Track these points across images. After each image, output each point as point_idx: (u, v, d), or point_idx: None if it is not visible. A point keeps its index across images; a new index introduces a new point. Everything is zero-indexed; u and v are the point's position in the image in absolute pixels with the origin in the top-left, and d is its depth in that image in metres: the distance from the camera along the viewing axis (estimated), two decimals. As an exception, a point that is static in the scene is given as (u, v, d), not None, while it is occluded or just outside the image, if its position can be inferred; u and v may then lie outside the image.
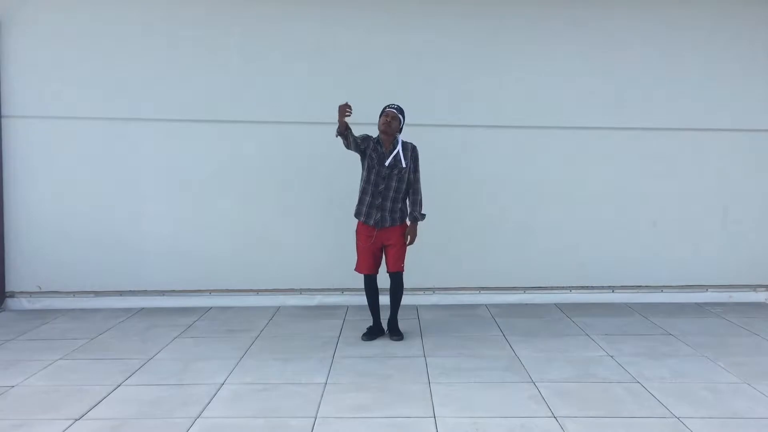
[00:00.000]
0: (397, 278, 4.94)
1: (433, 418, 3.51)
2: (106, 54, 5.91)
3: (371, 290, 5.01)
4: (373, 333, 5.03)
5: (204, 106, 5.99)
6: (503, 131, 6.16)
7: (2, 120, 5.87)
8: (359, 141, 4.80)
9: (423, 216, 4.90)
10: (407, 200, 4.93)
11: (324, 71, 6.02)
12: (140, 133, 5.98)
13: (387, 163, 4.79)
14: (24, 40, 5.86)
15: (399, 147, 4.82)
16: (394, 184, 4.81)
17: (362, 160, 4.91)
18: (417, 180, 4.90)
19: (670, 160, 6.26)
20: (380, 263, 5.00)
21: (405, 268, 4.97)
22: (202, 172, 6.03)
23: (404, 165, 4.80)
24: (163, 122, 5.98)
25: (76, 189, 5.96)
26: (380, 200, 4.82)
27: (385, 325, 5.09)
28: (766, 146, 6.31)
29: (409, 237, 4.90)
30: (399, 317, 5.08)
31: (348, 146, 4.82)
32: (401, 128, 4.90)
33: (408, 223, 4.94)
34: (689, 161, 6.27)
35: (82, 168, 5.96)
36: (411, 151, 4.87)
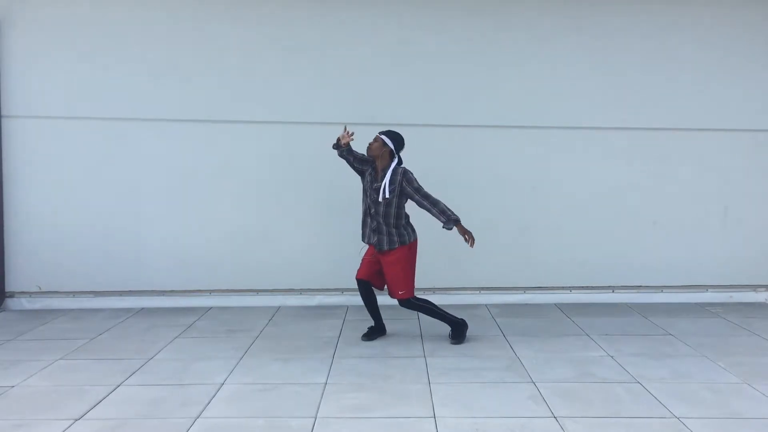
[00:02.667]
0: (405, 305, 4.84)
1: (433, 418, 3.51)
2: (106, 54, 5.91)
3: (364, 295, 4.97)
4: (373, 333, 5.04)
5: (204, 106, 5.99)
6: (503, 131, 6.16)
7: (2, 120, 5.87)
8: (356, 160, 4.81)
9: (457, 217, 4.70)
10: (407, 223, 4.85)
11: (324, 71, 6.02)
12: (140, 133, 5.99)
13: (374, 187, 4.77)
14: (24, 39, 5.86)
15: (387, 179, 4.71)
16: (382, 209, 4.75)
17: (361, 180, 4.92)
18: (425, 197, 4.72)
19: (670, 160, 6.26)
20: (379, 279, 4.94)
21: (409, 278, 4.84)
22: (202, 172, 6.04)
23: (387, 196, 4.70)
24: (163, 122, 5.99)
25: (76, 189, 5.96)
26: (375, 223, 4.80)
27: (387, 326, 5.09)
28: (766, 146, 6.31)
29: (465, 237, 4.67)
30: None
31: (340, 155, 4.84)
32: (395, 155, 4.79)
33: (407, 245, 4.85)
34: (689, 161, 6.27)
35: (82, 168, 5.96)
36: (401, 176, 4.74)
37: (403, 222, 4.83)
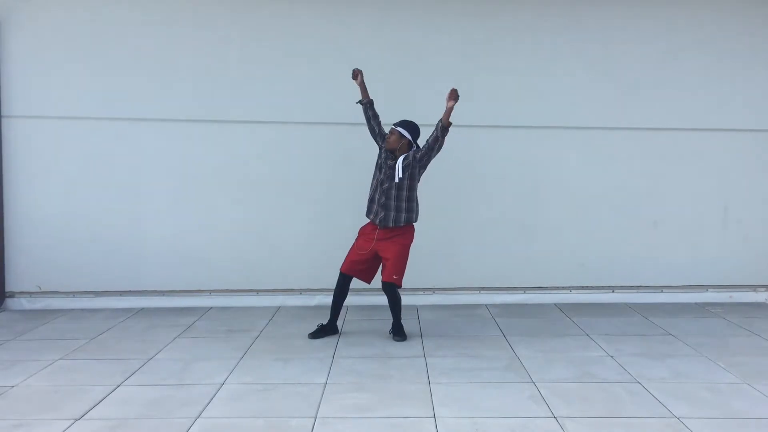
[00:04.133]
0: (389, 290, 4.89)
1: (433, 418, 3.51)
2: (106, 54, 5.91)
3: (340, 289, 5.01)
4: (321, 331, 5.03)
5: (204, 106, 5.99)
6: (503, 131, 6.16)
7: (2, 120, 5.87)
8: (377, 131, 4.95)
9: (442, 124, 4.72)
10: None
11: (324, 71, 6.01)
12: (140, 133, 5.98)
13: (389, 164, 4.85)
14: (24, 40, 5.86)
15: (400, 160, 4.80)
16: (395, 185, 4.82)
17: (380, 150, 4.98)
18: (430, 147, 4.76)
19: (670, 160, 6.26)
20: (365, 272, 4.99)
21: (405, 268, 4.94)
22: (202, 172, 6.03)
23: (398, 178, 4.79)
24: (163, 122, 5.99)
25: (76, 189, 5.96)
26: (384, 199, 4.83)
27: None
28: (766, 146, 6.31)
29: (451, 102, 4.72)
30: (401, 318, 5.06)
31: (365, 113, 4.97)
32: (413, 144, 4.87)
33: (407, 225, 4.91)
34: (689, 161, 6.27)
35: (82, 168, 5.96)
36: (412, 153, 4.83)
37: (415, 202, 4.90)
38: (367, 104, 4.98)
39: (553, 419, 3.50)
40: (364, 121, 5.03)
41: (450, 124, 4.72)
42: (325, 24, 6.02)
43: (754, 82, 6.25)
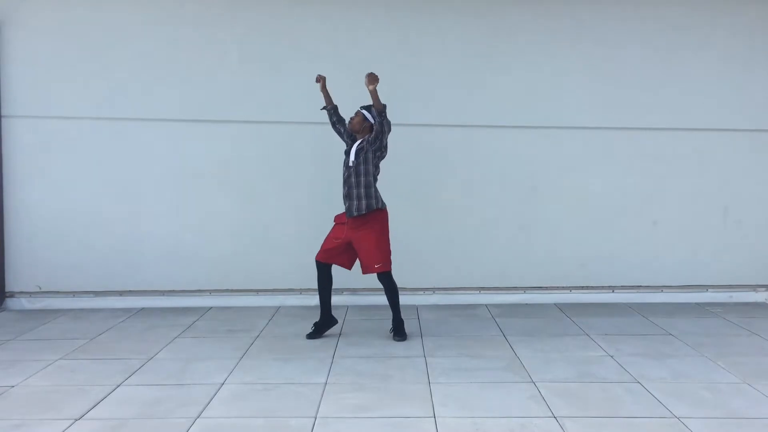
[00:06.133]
0: (381, 279, 4.86)
1: (433, 418, 3.51)
2: (106, 54, 5.91)
3: (320, 279, 4.97)
4: (320, 329, 4.99)
5: (204, 106, 5.99)
6: (503, 131, 6.16)
7: (2, 120, 5.88)
8: (342, 131, 5.00)
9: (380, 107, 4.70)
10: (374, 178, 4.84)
11: (324, 71, 5.99)
12: (140, 133, 5.98)
13: (345, 150, 4.92)
14: (24, 40, 5.86)
15: (355, 145, 4.82)
16: (353, 171, 4.79)
17: None
18: (378, 130, 4.72)
19: (670, 160, 6.26)
20: (340, 258, 4.94)
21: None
22: (202, 172, 6.04)
23: (352, 162, 4.78)
24: (163, 122, 5.99)
25: (76, 189, 5.96)
26: (347, 188, 4.83)
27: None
28: (766, 146, 6.31)
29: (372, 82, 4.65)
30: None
31: (330, 119, 5.06)
32: (373, 128, 4.80)
33: (377, 208, 4.83)
34: (689, 161, 6.27)
35: (82, 168, 5.96)
36: (367, 136, 4.83)
37: (373, 188, 4.81)
38: (332, 110, 5.06)
39: (553, 419, 3.50)
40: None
41: (383, 106, 4.69)
42: (325, 24, 6.02)
43: (754, 82, 6.24)
